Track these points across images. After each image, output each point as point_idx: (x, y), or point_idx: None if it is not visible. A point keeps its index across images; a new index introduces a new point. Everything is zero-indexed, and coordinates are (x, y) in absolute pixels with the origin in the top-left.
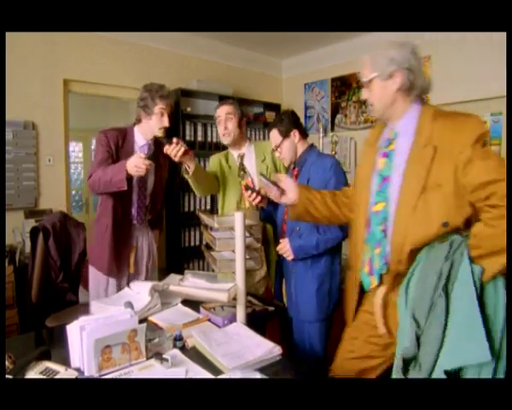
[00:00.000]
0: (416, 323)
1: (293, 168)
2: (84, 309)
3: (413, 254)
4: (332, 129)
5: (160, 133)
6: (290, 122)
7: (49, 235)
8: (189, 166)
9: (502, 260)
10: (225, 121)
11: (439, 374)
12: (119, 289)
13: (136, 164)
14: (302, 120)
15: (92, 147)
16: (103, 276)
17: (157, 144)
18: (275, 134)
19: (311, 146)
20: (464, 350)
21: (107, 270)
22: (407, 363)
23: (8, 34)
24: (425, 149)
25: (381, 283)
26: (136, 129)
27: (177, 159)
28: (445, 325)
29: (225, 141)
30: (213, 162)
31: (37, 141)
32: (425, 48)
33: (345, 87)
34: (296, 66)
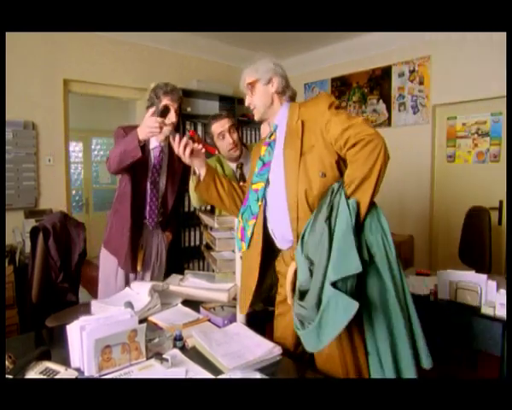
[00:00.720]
0: (309, 260)
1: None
2: (84, 309)
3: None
4: None
5: (167, 131)
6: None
7: (49, 235)
8: (200, 171)
9: (369, 189)
10: (230, 134)
11: (327, 289)
12: (127, 281)
13: (149, 124)
14: None
15: (92, 147)
16: (114, 264)
17: (170, 147)
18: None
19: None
20: (344, 264)
21: (122, 263)
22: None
23: (8, 34)
24: (296, 124)
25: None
26: None
27: (185, 157)
28: (329, 250)
29: (235, 154)
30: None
31: (37, 141)
32: (425, 48)
33: (345, 87)
34: (296, 66)
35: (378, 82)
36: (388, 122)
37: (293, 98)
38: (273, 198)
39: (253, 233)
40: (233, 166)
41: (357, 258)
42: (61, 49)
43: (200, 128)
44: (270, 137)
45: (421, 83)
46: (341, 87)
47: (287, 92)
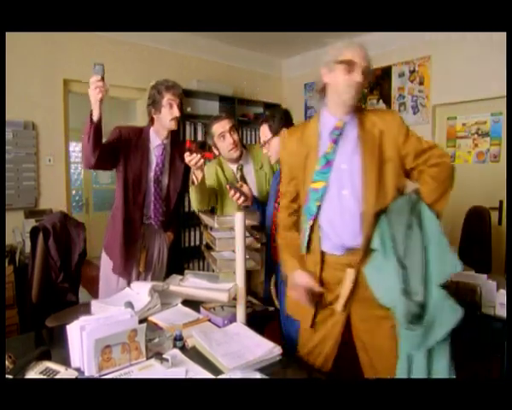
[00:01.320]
0: (400, 263)
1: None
2: (85, 309)
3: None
4: None
5: (172, 125)
6: (281, 120)
7: (49, 235)
8: (197, 176)
9: (445, 202)
10: (231, 135)
11: (435, 291)
12: (128, 283)
13: (93, 85)
14: (302, 119)
15: None
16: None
17: (173, 144)
18: (265, 129)
19: None
20: (446, 265)
21: (118, 268)
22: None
23: (8, 34)
24: (373, 130)
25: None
26: (152, 130)
27: (196, 168)
28: (424, 248)
29: (235, 155)
30: (209, 173)
31: (37, 141)
32: (425, 48)
33: None
34: (296, 66)
35: (378, 82)
36: None
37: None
38: (336, 200)
39: (310, 238)
40: (233, 167)
41: (456, 257)
42: (61, 50)
43: (199, 128)
44: (337, 134)
45: (421, 83)
46: None
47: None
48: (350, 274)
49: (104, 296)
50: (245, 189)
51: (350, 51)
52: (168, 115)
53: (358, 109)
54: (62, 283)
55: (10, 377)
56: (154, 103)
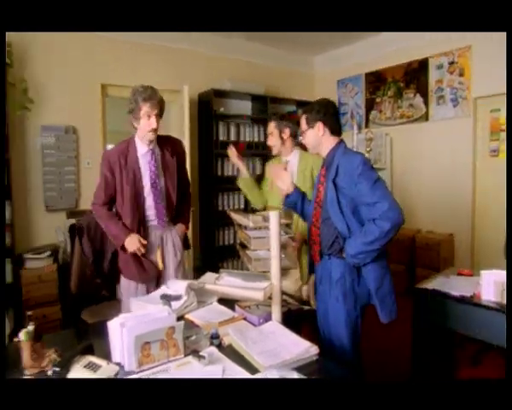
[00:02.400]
0: None
1: (322, 167)
2: (116, 305)
3: None
4: (366, 125)
5: (150, 136)
6: (317, 113)
7: (82, 233)
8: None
9: None
10: (270, 137)
11: None
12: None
13: (132, 248)
14: None
15: None
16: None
17: (166, 143)
18: (302, 120)
19: (339, 143)
20: None
21: (135, 276)
22: None
23: (47, 44)
24: None
25: None
26: (136, 137)
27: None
28: None
29: (272, 152)
30: (268, 167)
31: (77, 145)
32: (464, 38)
33: (379, 82)
34: (329, 62)
35: (415, 75)
36: (426, 117)
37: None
38: None
39: None
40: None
41: None
42: (98, 56)
43: (232, 128)
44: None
45: (461, 74)
46: (376, 82)
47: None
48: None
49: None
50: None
51: None
52: (146, 126)
53: None
54: (95, 278)
55: (57, 369)
56: (132, 112)
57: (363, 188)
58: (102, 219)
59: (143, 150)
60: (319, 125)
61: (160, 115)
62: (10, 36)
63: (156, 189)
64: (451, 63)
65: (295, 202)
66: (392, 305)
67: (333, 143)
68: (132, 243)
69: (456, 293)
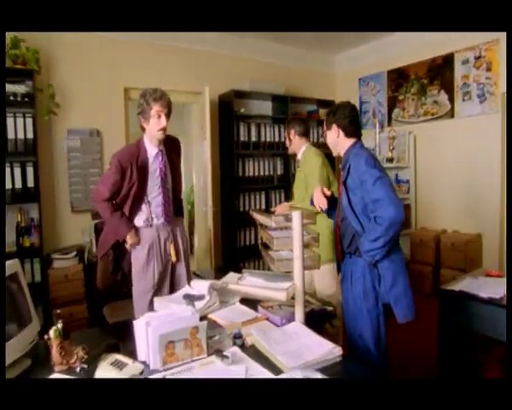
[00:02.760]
0: None
1: (341, 168)
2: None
3: None
4: (389, 124)
5: (159, 135)
6: (333, 116)
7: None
8: None
9: None
10: (286, 139)
11: None
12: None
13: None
14: None
15: None
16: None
17: (168, 142)
18: (325, 121)
19: (355, 144)
20: None
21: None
22: None
23: (72, 49)
24: None
25: None
26: (145, 139)
27: None
28: None
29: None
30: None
31: (101, 147)
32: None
33: (402, 79)
34: (349, 60)
35: (439, 71)
36: (451, 114)
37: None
38: None
39: None
40: None
41: None
42: (121, 60)
43: (253, 128)
44: None
45: (488, 69)
46: (398, 80)
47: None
48: None
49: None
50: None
51: None
52: (156, 125)
53: None
54: (115, 275)
55: (85, 366)
56: (143, 113)
57: (367, 185)
58: (106, 213)
59: (153, 151)
60: (334, 128)
61: (168, 115)
62: (38, 43)
63: (165, 187)
64: (478, 58)
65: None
66: (407, 305)
67: (348, 144)
68: (133, 238)
69: (484, 295)
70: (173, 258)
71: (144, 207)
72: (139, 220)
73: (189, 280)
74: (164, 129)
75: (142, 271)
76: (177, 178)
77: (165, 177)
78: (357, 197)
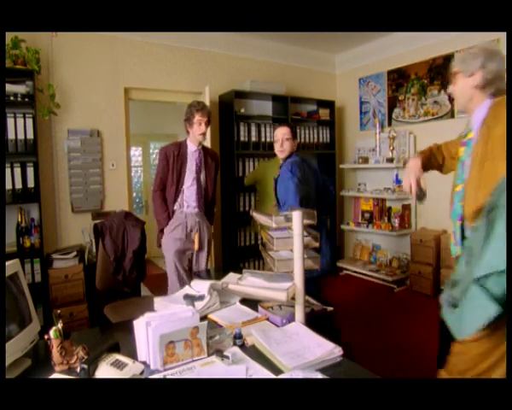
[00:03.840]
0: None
1: None
2: (138, 302)
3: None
4: (389, 124)
5: (200, 138)
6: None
7: (105, 233)
8: None
9: None
10: (282, 141)
11: (472, 283)
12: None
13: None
14: (357, 115)
15: (151, 151)
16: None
17: (208, 150)
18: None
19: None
20: (493, 260)
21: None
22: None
23: (72, 49)
24: (500, 130)
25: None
26: (188, 140)
27: None
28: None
29: (280, 156)
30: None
31: (101, 147)
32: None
33: (402, 79)
34: (350, 60)
35: (439, 71)
36: (451, 114)
37: (502, 92)
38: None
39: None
40: None
41: (504, 255)
42: (122, 59)
43: (253, 129)
44: (466, 136)
45: None
46: (399, 80)
47: (488, 89)
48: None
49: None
50: None
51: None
52: (197, 131)
53: (496, 106)
54: (116, 275)
55: (85, 366)
56: (187, 120)
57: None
58: (156, 203)
59: (192, 149)
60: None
61: (207, 124)
62: (38, 43)
63: (198, 180)
64: None
65: None
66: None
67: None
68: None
69: None
70: (196, 246)
71: (180, 194)
72: (175, 204)
73: (206, 268)
74: (203, 134)
75: (167, 242)
76: (209, 180)
77: (199, 172)
78: None
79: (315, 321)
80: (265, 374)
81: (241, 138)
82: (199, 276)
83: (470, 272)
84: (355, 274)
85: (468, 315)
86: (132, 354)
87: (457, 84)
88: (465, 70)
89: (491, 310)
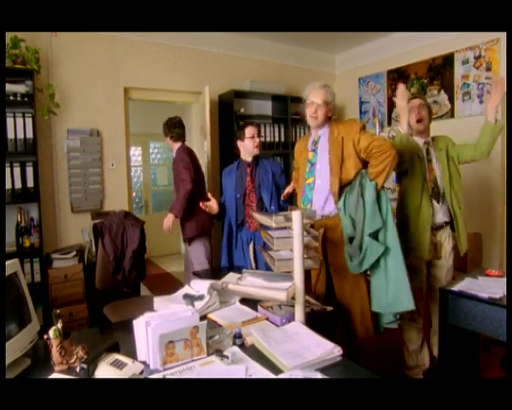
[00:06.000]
0: (351, 218)
1: None
2: (136, 301)
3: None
4: (389, 123)
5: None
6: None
7: (104, 233)
8: None
9: (383, 178)
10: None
11: (366, 238)
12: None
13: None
14: (357, 115)
15: (150, 150)
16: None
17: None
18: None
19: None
20: (374, 221)
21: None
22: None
23: (72, 49)
24: (337, 138)
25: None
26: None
27: None
28: (364, 212)
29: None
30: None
31: (101, 147)
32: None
33: (402, 79)
34: (349, 60)
35: (439, 71)
36: (451, 113)
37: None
38: (318, 186)
39: None
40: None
41: (380, 218)
42: (121, 59)
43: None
44: (314, 145)
45: (488, 69)
46: (398, 79)
47: (332, 114)
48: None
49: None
50: None
51: (310, 95)
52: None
53: (329, 124)
54: (115, 275)
55: (85, 366)
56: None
57: None
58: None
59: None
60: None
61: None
62: (38, 43)
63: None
64: (478, 57)
65: None
66: None
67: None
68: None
69: (484, 295)
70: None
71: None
72: None
73: None
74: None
75: None
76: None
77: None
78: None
79: (315, 321)
80: (265, 374)
81: None
82: (199, 276)
83: (359, 230)
84: None
85: (367, 256)
86: (132, 354)
87: (318, 111)
88: (326, 101)
89: (381, 248)
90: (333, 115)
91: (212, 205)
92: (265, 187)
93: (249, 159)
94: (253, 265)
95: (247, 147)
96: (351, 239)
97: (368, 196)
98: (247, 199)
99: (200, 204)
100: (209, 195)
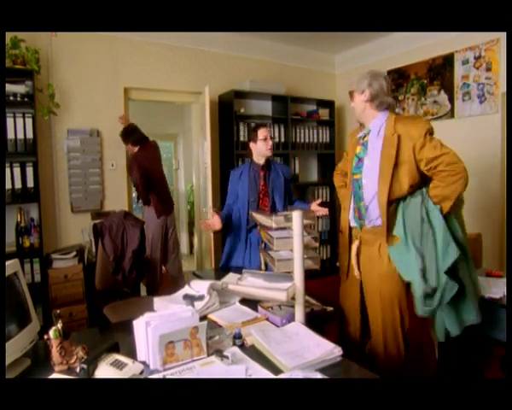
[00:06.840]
0: (418, 251)
1: None
2: (136, 301)
3: (389, 208)
4: None
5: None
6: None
7: (104, 233)
8: None
9: (450, 203)
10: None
11: (442, 276)
12: None
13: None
14: None
15: None
16: None
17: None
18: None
19: None
20: (449, 253)
21: None
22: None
23: (72, 49)
24: (392, 137)
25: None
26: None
27: None
28: (434, 241)
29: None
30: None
31: (101, 147)
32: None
33: (402, 79)
34: (350, 60)
35: (439, 71)
36: (451, 114)
37: (387, 107)
38: (365, 186)
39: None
40: None
41: (456, 246)
42: (121, 59)
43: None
44: (363, 138)
45: (488, 69)
46: (398, 80)
47: (378, 101)
48: (355, 243)
49: None
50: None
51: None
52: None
53: (382, 117)
54: (115, 275)
55: (85, 366)
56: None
57: None
58: None
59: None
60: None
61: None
62: (38, 43)
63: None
64: (478, 58)
65: None
66: None
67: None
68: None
69: (484, 295)
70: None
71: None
72: None
73: None
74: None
75: None
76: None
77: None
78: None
79: (315, 321)
80: (265, 374)
81: (241, 138)
82: (198, 276)
83: (432, 266)
84: None
85: (446, 297)
86: (132, 354)
87: (354, 99)
88: (358, 89)
89: (455, 287)
90: (382, 106)
91: (214, 222)
92: (278, 191)
93: (262, 161)
94: (263, 267)
95: (260, 149)
96: (425, 279)
97: (437, 222)
98: (261, 203)
99: (200, 226)
100: (211, 210)
